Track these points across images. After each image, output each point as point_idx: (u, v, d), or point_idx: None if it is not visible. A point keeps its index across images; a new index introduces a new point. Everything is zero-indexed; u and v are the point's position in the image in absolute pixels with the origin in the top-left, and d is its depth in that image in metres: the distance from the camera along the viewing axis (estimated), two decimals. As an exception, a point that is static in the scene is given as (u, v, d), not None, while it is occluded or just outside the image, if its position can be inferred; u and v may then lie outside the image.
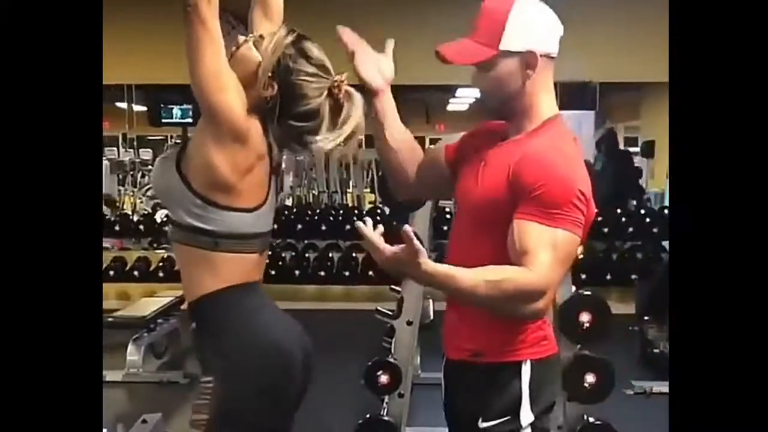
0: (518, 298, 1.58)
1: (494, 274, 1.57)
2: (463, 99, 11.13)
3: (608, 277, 6.59)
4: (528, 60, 1.69)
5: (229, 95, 1.70)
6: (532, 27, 1.70)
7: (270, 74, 1.77)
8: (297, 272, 7.37)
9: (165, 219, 7.52)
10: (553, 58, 1.74)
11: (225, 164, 1.72)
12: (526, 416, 1.73)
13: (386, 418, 3.30)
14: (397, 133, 1.94)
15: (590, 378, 3.06)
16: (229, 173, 1.73)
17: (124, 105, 10.63)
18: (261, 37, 1.81)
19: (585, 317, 3.05)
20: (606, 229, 6.73)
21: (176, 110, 8.72)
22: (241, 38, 1.80)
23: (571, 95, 6.66)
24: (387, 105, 1.92)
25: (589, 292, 3.23)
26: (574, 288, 3.20)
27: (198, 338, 1.86)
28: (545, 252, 1.58)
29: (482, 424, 1.74)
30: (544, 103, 1.75)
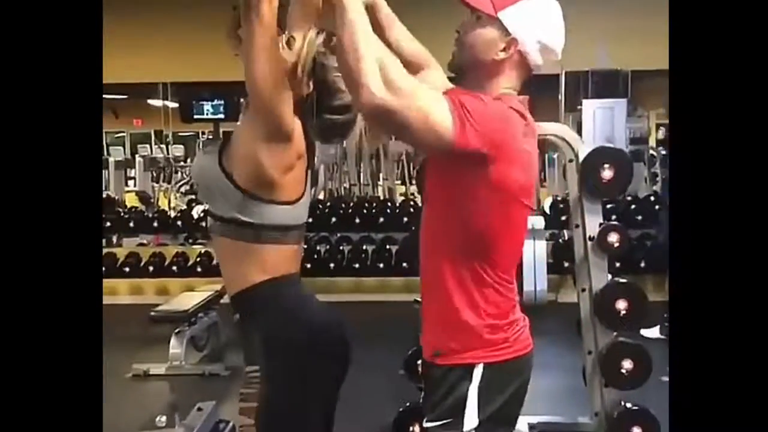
0: (357, 70, 1.51)
1: (380, 46, 1.59)
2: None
3: (642, 264, 6.58)
4: (508, 43, 1.70)
5: (283, 95, 1.77)
6: (533, 23, 1.71)
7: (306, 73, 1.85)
8: (332, 265, 7.45)
9: (202, 214, 7.62)
10: (530, 68, 1.75)
11: (270, 162, 1.79)
12: (470, 421, 1.69)
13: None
14: (404, 39, 1.97)
15: (627, 364, 3.10)
16: (274, 171, 1.80)
17: (155, 102, 10.76)
18: (292, 37, 1.87)
19: (621, 304, 3.09)
20: (640, 217, 6.71)
21: (208, 106, 8.84)
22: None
23: (602, 84, 6.67)
24: (387, 15, 1.94)
25: (625, 280, 3.26)
26: (609, 276, 3.23)
27: (242, 329, 1.93)
28: (418, 90, 1.56)
29: (426, 424, 1.75)
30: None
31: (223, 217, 1.85)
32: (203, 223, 7.54)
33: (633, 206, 6.82)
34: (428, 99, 1.57)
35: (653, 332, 5.58)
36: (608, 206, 6.58)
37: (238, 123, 1.86)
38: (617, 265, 6.04)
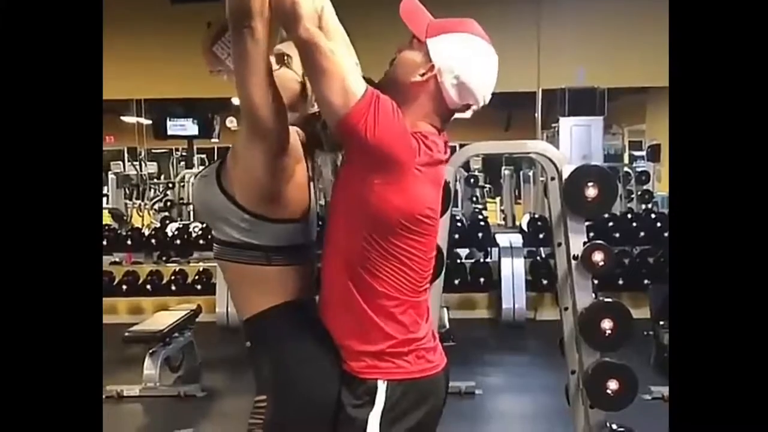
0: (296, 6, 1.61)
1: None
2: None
3: (620, 282, 6.58)
4: (427, 68, 1.70)
5: (279, 110, 1.70)
6: (454, 55, 1.71)
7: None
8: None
9: (176, 232, 7.51)
10: (446, 104, 1.74)
11: (271, 176, 1.72)
12: None
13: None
14: None
15: (613, 385, 3.06)
16: (275, 183, 1.73)
17: (128, 119, 10.69)
18: (288, 56, 1.83)
19: (607, 324, 3.05)
20: (617, 234, 6.72)
21: (181, 123, 8.81)
22: (272, 59, 1.80)
23: (579, 102, 6.70)
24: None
25: (610, 299, 3.23)
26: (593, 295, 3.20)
27: (253, 356, 1.84)
28: (348, 50, 1.79)
29: None
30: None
31: (229, 241, 1.77)
32: (177, 241, 7.45)
33: (610, 223, 6.82)
34: (353, 65, 1.69)
35: None
36: (585, 223, 6.60)
37: (233, 144, 1.80)
38: (595, 282, 6.06)
